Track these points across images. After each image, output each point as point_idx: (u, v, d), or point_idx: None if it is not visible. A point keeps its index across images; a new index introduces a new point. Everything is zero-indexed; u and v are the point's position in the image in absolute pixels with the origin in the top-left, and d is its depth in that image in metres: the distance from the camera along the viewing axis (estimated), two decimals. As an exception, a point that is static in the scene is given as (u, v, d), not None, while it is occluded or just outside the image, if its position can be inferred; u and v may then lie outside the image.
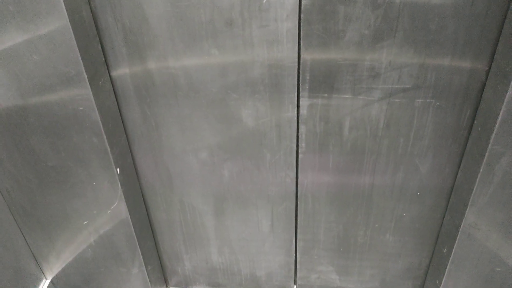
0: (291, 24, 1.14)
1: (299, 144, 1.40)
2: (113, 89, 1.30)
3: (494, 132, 1.16)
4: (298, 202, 1.56)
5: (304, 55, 1.21)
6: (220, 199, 1.57)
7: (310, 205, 1.56)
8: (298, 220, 1.62)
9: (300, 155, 1.43)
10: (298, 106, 1.31)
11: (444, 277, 1.53)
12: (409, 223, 1.57)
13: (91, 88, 1.16)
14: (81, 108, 1.20)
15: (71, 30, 1.07)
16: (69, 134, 1.26)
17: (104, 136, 1.25)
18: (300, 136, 1.38)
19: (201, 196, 1.57)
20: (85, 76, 1.13)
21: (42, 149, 1.31)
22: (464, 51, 1.16)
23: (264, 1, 1.12)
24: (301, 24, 1.16)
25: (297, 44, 1.18)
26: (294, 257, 1.75)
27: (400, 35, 1.15)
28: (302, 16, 1.14)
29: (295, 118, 1.34)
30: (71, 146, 1.29)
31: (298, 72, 1.24)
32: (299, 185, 1.51)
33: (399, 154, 1.38)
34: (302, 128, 1.36)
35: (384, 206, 1.53)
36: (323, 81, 1.25)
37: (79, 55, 1.11)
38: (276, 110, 1.32)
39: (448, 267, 1.50)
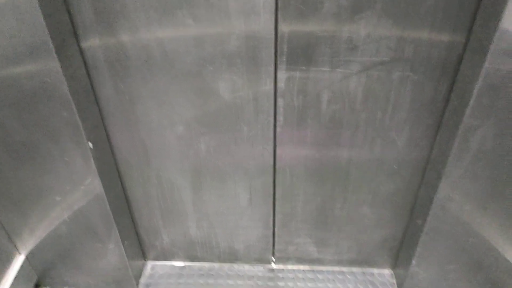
0: None
1: (277, 118, 1.39)
2: (84, 61, 1.24)
3: (470, 105, 1.16)
4: (276, 175, 1.56)
5: (282, 27, 1.17)
6: (197, 173, 1.55)
7: (288, 179, 1.56)
8: (276, 194, 1.62)
9: (278, 129, 1.42)
10: (275, 80, 1.29)
11: (417, 248, 1.57)
12: (386, 195, 1.59)
13: (58, 59, 1.11)
14: (49, 80, 1.15)
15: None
16: (38, 108, 1.21)
17: (75, 110, 1.21)
18: (278, 109, 1.36)
19: (179, 171, 1.55)
20: (52, 46, 1.08)
21: (9, 123, 1.26)
22: (442, 24, 1.14)
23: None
24: None
25: (274, 16, 1.15)
26: (272, 230, 1.77)
27: (378, 6, 1.12)
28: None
29: (273, 91, 1.31)
30: (40, 120, 1.24)
31: (276, 45, 1.21)
32: (277, 159, 1.51)
33: (376, 127, 1.38)
34: (280, 101, 1.34)
35: (361, 179, 1.54)
36: (301, 53, 1.22)
37: (44, 24, 1.05)
38: (254, 83, 1.29)
39: (421, 238, 1.53)
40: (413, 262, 1.62)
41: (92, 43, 1.21)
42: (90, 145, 1.30)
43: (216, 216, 1.72)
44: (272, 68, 1.26)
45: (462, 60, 1.20)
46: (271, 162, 1.51)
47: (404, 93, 1.29)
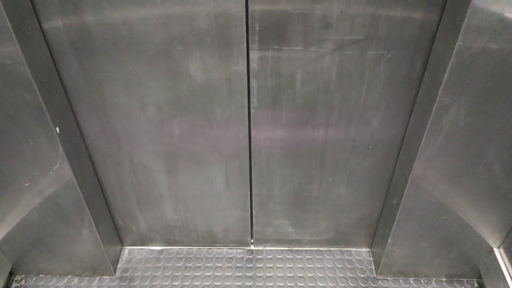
0: None
1: (251, 100, 1.36)
2: (46, 41, 1.19)
3: (443, 83, 1.15)
4: (252, 157, 1.54)
5: (253, 5, 1.13)
6: (171, 156, 1.52)
7: (264, 160, 1.55)
8: (252, 176, 1.61)
9: (252, 111, 1.39)
10: (248, 59, 1.26)
11: (393, 226, 1.58)
12: (362, 175, 1.59)
13: (17, 39, 1.05)
14: (9, 61, 1.09)
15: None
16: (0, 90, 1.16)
17: (38, 92, 1.16)
18: (251, 91, 1.33)
19: (152, 154, 1.51)
20: (9, 25, 1.02)
21: (-30, 107, 1.20)
22: (415, 1, 1.12)
23: None
24: None
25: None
26: (249, 212, 1.76)
27: None
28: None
29: (246, 71, 1.28)
30: (2, 103, 1.19)
31: (247, 23, 1.18)
32: (252, 141, 1.48)
33: (351, 107, 1.36)
34: (253, 82, 1.31)
35: (337, 160, 1.53)
36: (273, 32, 1.19)
37: (0, 2, 0.99)
38: (225, 63, 1.26)
39: (397, 217, 1.54)
40: (389, 240, 1.64)
41: (54, 22, 1.15)
42: (57, 129, 1.26)
43: (192, 199, 1.69)
44: (244, 47, 1.22)
45: (435, 38, 1.19)
46: (247, 144, 1.49)
47: (378, 72, 1.27)
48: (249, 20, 1.17)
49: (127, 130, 1.43)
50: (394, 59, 1.24)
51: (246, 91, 1.33)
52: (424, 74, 1.26)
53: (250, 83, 1.31)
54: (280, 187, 1.65)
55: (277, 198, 1.70)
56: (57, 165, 1.35)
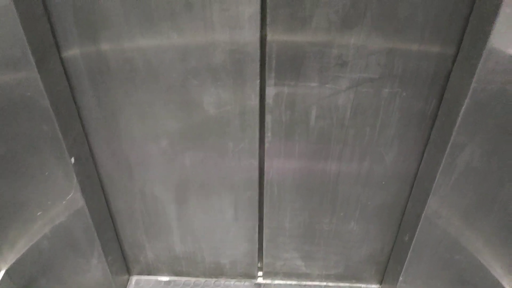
0: (253, 9, 1.09)
1: (265, 133, 1.36)
2: (65, 73, 1.21)
3: (457, 123, 1.15)
4: (264, 190, 1.53)
5: (270, 42, 1.15)
6: (182, 187, 1.52)
7: (276, 193, 1.54)
8: (264, 208, 1.60)
9: (266, 144, 1.39)
10: (263, 95, 1.27)
11: (405, 264, 1.55)
12: (373, 210, 1.57)
13: (38, 71, 1.08)
14: (29, 93, 1.11)
15: (14, 8, 0.98)
16: (18, 121, 1.18)
17: (56, 124, 1.17)
18: (266, 125, 1.34)
19: (162, 185, 1.52)
20: (32, 58, 1.05)
21: (-12, 136, 1.22)
22: (431, 41, 1.14)
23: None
24: (267, 9, 1.10)
25: (259, 30, 1.13)
26: (257, 245, 1.74)
27: (368, 22, 1.11)
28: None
29: (258, 106, 1.29)
30: (21, 134, 1.21)
31: (263, 60, 1.20)
32: (265, 173, 1.48)
33: (365, 143, 1.36)
34: (268, 117, 1.32)
35: (349, 194, 1.52)
36: (290, 69, 1.21)
37: (24, 36, 1.02)
38: (239, 98, 1.27)
39: (409, 254, 1.52)
40: (401, 278, 1.61)
41: (74, 54, 1.18)
42: (72, 159, 1.27)
43: (201, 230, 1.68)
44: (257, 83, 1.24)
45: (449, 78, 1.20)
46: (256, 177, 1.49)
47: (392, 109, 1.28)
48: (267, 56, 1.19)
49: (139, 161, 1.44)
50: (409, 97, 1.25)
51: (258, 125, 1.34)
52: (438, 112, 1.27)
53: (265, 117, 1.32)
54: (291, 219, 1.63)
55: (287, 231, 1.68)
56: (71, 195, 1.35)
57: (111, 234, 1.64)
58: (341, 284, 1.88)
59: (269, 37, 1.15)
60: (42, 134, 1.20)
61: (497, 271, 1.53)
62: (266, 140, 1.38)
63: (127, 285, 1.87)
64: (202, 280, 1.89)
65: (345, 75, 1.21)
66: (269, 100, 1.27)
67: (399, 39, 1.14)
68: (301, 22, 1.12)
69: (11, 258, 1.60)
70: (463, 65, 1.12)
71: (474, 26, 1.07)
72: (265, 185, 1.52)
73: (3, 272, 1.65)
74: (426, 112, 1.28)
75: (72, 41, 1.15)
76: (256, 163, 1.44)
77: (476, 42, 1.05)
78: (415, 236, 1.46)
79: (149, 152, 1.41)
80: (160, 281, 1.89)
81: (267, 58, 1.19)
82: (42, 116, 1.16)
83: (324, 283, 1.88)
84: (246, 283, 1.89)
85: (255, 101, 1.27)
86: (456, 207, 1.35)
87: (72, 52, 1.17)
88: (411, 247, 1.49)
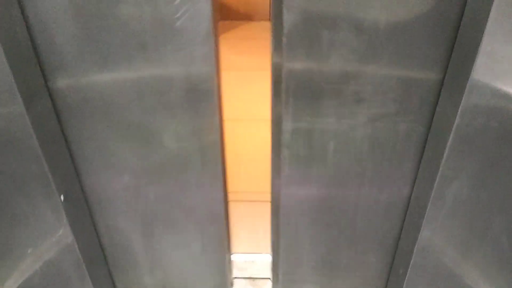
0: (207, 49, 1.11)
1: (282, 168, 1.36)
2: (55, 110, 1.23)
3: (444, 157, 1.15)
4: (281, 226, 1.52)
5: (287, 79, 1.16)
6: (147, 222, 1.53)
7: (294, 227, 1.53)
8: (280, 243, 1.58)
9: (283, 179, 1.40)
10: (280, 130, 1.28)
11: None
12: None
13: (27, 112, 1.09)
14: (18, 134, 1.12)
15: (3, 53, 1.01)
16: (6, 161, 1.18)
17: (44, 163, 1.18)
18: (283, 160, 1.35)
19: (127, 219, 1.52)
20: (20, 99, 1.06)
21: (-25, 175, 1.23)
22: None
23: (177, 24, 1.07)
24: (284, 48, 1.11)
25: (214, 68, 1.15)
26: (227, 277, 1.73)
27: (385, 59, 1.12)
28: (284, 39, 1.10)
29: (219, 141, 1.31)
30: (9, 174, 1.21)
31: (285, 95, 1.20)
32: (281, 209, 1.48)
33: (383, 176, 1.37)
34: (285, 152, 1.33)
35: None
36: (306, 105, 1.22)
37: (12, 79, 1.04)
38: (197, 134, 1.29)
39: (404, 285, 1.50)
40: (397, 311, 1.58)
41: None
42: (62, 197, 1.27)
43: (170, 264, 1.68)
44: (216, 119, 1.25)
45: (435, 112, 1.20)
46: (222, 210, 1.49)
47: (409, 143, 1.28)
48: (283, 93, 1.20)
49: (104, 196, 1.45)
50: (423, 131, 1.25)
51: (220, 160, 1.35)
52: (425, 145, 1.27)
53: (282, 152, 1.33)
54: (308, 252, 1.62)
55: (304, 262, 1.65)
56: (60, 231, 1.35)
57: (103, 269, 1.62)
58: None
59: (286, 75, 1.16)
60: (31, 173, 1.21)
61: (493, 303, 1.51)
62: (283, 174, 1.38)
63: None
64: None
65: (362, 111, 1.22)
66: (286, 135, 1.28)
67: (415, 75, 1.14)
68: (318, 60, 1.13)
69: (2, 295, 1.59)
70: (446, 102, 1.12)
71: (454, 63, 1.08)
72: (281, 218, 1.51)
73: (-7, 309, 1.64)
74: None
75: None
76: (220, 197, 1.45)
77: (458, 78, 1.06)
78: (409, 269, 1.44)
79: (113, 187, 1.42)
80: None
81: (283, 95, 1.20)
82: (30, 156, 1.17)
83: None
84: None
85: (215, 136, 1.29)
86: (448, 240, 1.34)
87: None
88: (405, 280, 1.48)
